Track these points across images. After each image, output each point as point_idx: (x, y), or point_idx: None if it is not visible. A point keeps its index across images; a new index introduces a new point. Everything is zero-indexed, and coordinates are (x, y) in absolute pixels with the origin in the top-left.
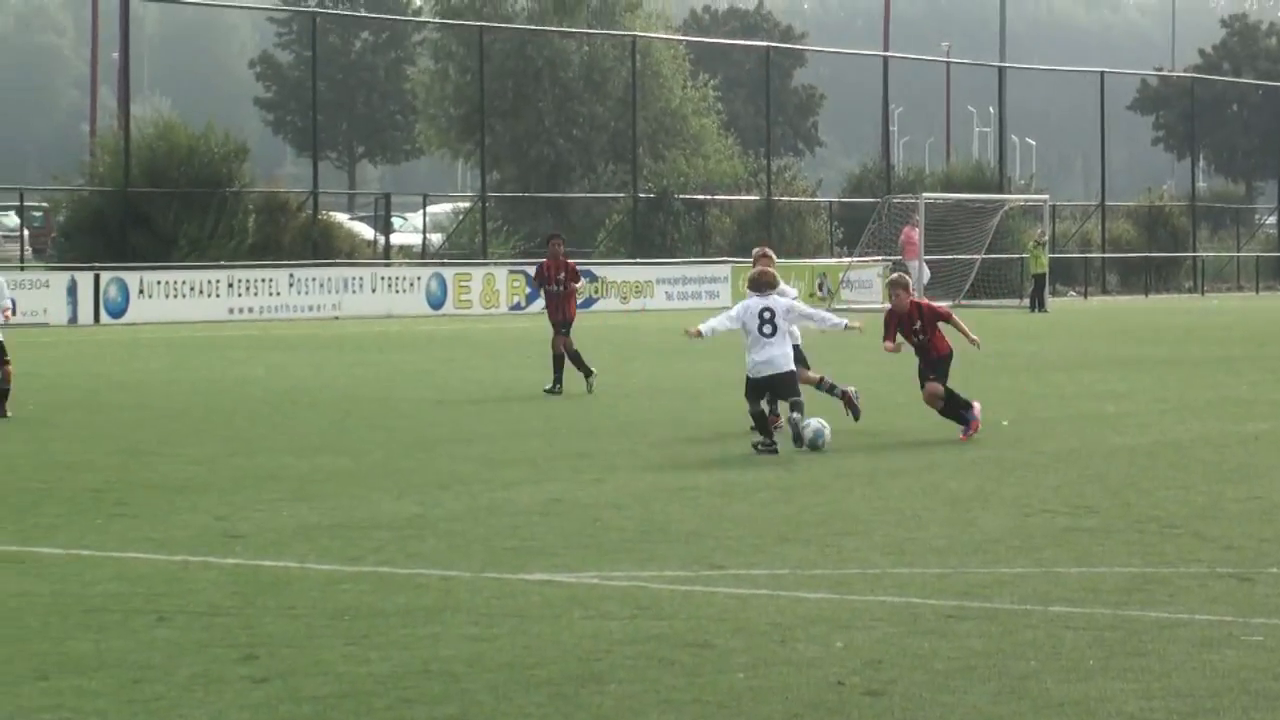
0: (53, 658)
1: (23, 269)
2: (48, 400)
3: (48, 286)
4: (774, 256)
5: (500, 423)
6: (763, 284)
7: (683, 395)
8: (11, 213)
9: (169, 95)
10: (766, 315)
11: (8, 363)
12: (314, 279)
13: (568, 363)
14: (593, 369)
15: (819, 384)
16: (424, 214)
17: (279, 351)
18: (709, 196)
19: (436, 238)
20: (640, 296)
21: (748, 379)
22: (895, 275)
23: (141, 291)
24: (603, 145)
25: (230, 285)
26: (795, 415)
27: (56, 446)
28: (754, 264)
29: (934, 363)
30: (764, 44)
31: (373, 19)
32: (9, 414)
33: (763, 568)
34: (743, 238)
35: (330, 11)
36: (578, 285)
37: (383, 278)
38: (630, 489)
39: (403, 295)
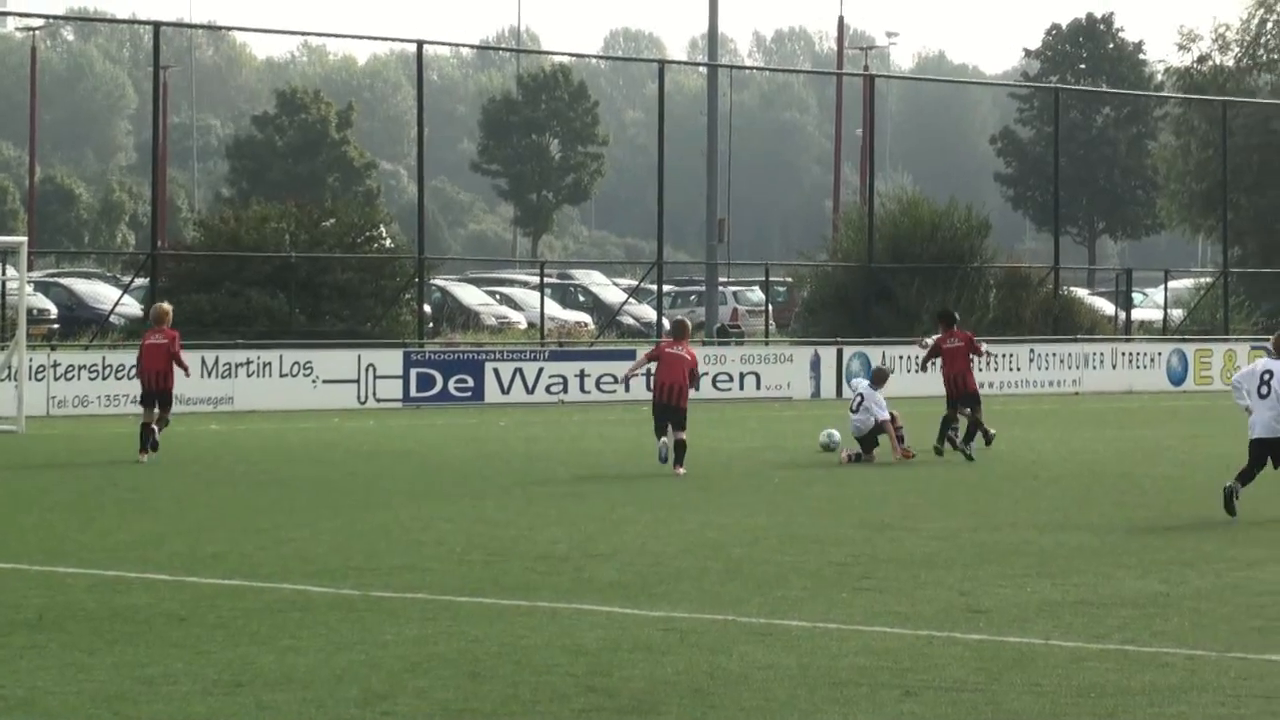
0: None
1: (767, 343)
2: (792, 476)
3: (791, 361)
4: None
5: (1245, 500)
6: None
7: None
8: (756, 287)
9: (910, 170)
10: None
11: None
12: (1054, 354)
13: None
14: None
15: None
16: (1165, 289)
17: (1020, 426)
18: None
19: (1178, 313)
20: None
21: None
22: None
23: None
24: None
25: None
26: None
27: (802, 520)
28: None
29: None
30: None
31: (1114, 94)
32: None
33: None
34: None
35: (1073, 87)
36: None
37: (1123, 353)
38: None
39: (1143, 371)
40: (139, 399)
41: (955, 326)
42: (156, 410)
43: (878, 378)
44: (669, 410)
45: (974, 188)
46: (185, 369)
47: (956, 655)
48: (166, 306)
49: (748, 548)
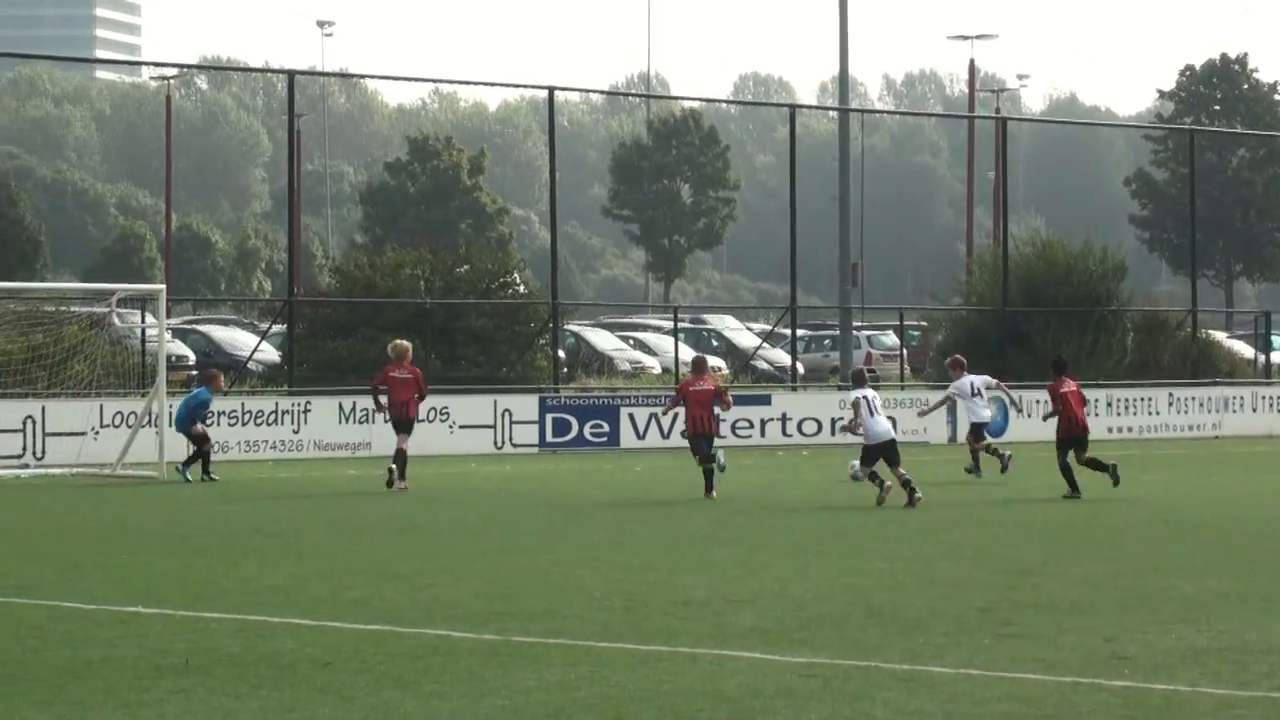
0: None
1: (902, 388)
2: (931, 520)
3: (926, 405)
4: None
5: None
6: None
7: None
8: (890, 331)
9: (1043, 213)
10: None
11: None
12: (1193, 398)
13: None
14: None
15: None
16: None
17: (1160, 471)
18: None
19: None
20: None
21: None
22: None
23: (1020, 410)
24: None
25: (1109, 404)
26: None
27: (942, 565)
28: None
29: None
30: None
31: (1250, 135)
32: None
33: None
34: None
35: (1207, 129)
36: None
37: (1263, 396)
38: None
39: None
40: (392, 428)
41: (1065, 373)
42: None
43: (858, 378)
44: (705, 438)
45: (1108, 230)
46: (421, 398)
47: (1102, 702)
48: (406, 344)
49: (888, 593)
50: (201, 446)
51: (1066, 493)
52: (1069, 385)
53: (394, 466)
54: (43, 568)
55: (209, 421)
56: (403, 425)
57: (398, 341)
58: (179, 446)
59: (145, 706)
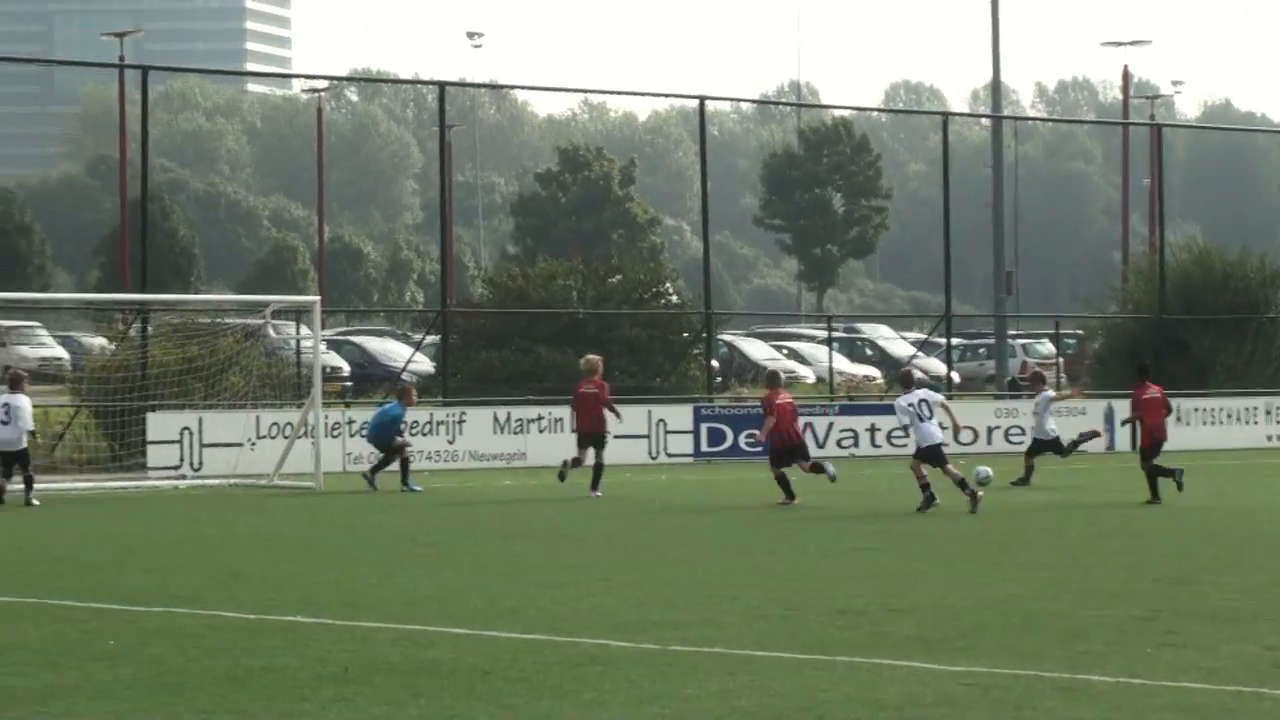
0: None
1: (1061, 397)
2: (1089, 529)
3: (1084, 414)
4: None
5: None
6: None
7: None
8: (1046, 340)
9: (1199, 220)
10: None
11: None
12: None
13: None
14: None
15: None
16: None
17: None
18: None
19: None
20: None
21: None
22: None
23: (1178, 419)
24: None
25: (1268, 412)
26: None
27: (1100, 574)
28: None
29: None
30: None
31: None
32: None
33: None
34: None
35: None
36: None
37: None
38: None
39: None
40: (576, 440)
41: (1148, 379)
42: (591, 451)
43: (905, 379)
44: (794, 451)
45: (1264, 237)
46: (617, 415)
47: (1266, 711)
48: (596, 358)
49: (1047, 601)
50: (401, 455)
51: (1148, 498)
52: (1151, 391)
53: (568, 469)
54: (202, 578)
55: (405, 435)
56: (584, 439)
57: (586, 356)
58: (335, 457)
59: (306, 715)
